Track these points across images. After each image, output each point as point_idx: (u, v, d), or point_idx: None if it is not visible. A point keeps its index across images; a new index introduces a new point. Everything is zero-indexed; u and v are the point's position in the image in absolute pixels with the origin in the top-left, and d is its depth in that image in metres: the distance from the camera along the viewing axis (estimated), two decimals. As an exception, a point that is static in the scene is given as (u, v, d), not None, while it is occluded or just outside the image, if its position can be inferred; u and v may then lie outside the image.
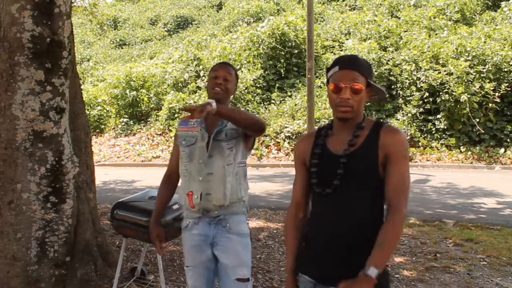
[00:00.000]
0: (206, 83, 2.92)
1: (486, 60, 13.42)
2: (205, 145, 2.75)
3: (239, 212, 2.78)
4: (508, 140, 12.81)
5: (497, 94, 12.82)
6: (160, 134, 16.35)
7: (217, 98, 2.70)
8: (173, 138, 15.12)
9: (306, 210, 2.22)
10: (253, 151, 12.87)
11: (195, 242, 2.76)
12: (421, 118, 13.64)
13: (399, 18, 18.62)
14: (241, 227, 2.77)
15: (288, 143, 13.95)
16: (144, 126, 17.28)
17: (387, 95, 2.47)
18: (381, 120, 2.10)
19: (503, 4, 18.82)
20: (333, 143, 2.08)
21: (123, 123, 17.46)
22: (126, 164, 14.60)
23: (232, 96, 2.92)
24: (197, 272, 2.78)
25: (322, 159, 2.07)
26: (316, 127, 12.40)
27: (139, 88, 17.87)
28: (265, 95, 16.23)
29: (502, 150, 12.57)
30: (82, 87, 5.34)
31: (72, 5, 4.24)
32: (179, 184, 2.95)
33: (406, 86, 14.18)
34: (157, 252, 2.96)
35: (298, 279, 2.16)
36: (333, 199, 2.01)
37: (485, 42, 14.26)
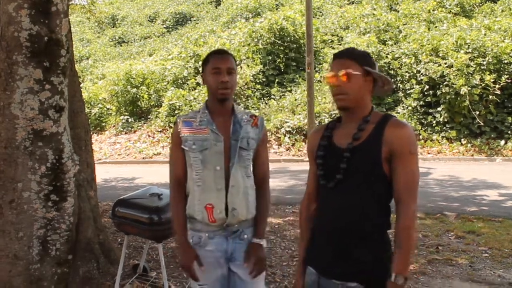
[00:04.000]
0: (202, 76, 2.59)
1: (486, 52, 13.39)
2: (222, 150, 2.46)
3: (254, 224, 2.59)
4: (509, 132, 12.80)
5: (497, 86, 12.80)
6: (160, 131, 16.33)
7: (224, 99, 2.49)
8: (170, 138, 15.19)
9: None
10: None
11: (211, 259, 2.47)
12: (422, 111, 13.63)
13: (398, 12, 18.59)
14: None
15: (289, 138, 13.94)
16: (144, 123, 17.27)
17: (391, 82, 2.43)
18: (389, 113, 2.06)
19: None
20: (338, 136, 2.07)
21: (123, 121, 17.45)
22: (127, 162, 14.60)
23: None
24: None
25: (327, 151, 2.07)
26: (317, 122, 12.36)
27: (139, 85, 17.85)
28: (264, 91, 16.22)
29: (503, 142, 12.55)
30: (81, 85, 5.33)
31: (70, 3, 4.24)
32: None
33: (406, 80, 14.17)
34: (189, 278, 2.50)
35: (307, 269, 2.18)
36: (336, 193, 2.01)
37: (485, 34, 14.23)
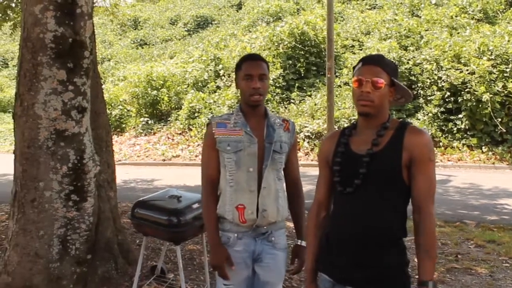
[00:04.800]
0: (235, 80, 2.63)
1: (509, 59, 13.21)
2: (255, 152, 2.50)
3: (283, 226, 2.67)
4: (531, 140, 12.59)
5: (520, 93, 12.62)
6: (180, 134, 16.42)
7: (257, 105, 2.55)
8: (193, 137, 14.99)
9: (328, 209, 2.21)
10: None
11: (239, 259, 2.51)
12: (442, 117, 13.48)
13: (420, 17, 18.45)
14: (284, 241, 2.66)
15: (308, 142, 13.91)
16: (164, 125, 17.38)
17: (412, 96, 2.43)
18: (406, 120, 2.10)
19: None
20: (356, 143, 2.07)
21: (143, 123, 17.58)
22: (146, 163, 14.69)
23: None
24: None
25: (345, 157, 2.07)
26: (336, 127, 12.33)
27: (159, 87, 17.98)
28: (284, 95, 16.22)
29: (525, 150, 12.37)
30: (103, 86, 5.39)
31: (94, 5, 4.30)
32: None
33: (427, 86, 14.04)
34: (220, 277, 2.53)
35: (318, 278, 2.16)
36: (354, 199, 2.00)
37: (508, 41, 14.03)
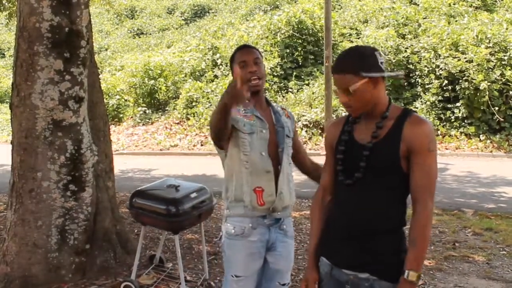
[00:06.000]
0: (232, 72, 2.57)
1: (508, 47, 13.18)
2: (267, 137, 2.54)
3: (290, 214, 2.68)
4: (529, 128, 12.59)
5: (518, 81, 12.60)
6: (178, 123, 16.38)
7: (256, 90, 2.55)
8: (191, 126, 14.82)
9: (333, 194, 2.20)
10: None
11: (254, 249, 2.51)
12: (440, 106, 13.47)
13: (418, 5, 18.34)
14: (292, 229, 2.69)
15: (306, 131, 13.90)
16: (162, 115, 17.33)
17: (400, 71, 2.35)
18: (408, 108, 1.99)
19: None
20: (359, 131, 2.06)
21: (141, 112, 17.52)
22: (144, 153, 14.67)
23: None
24: (251, 281, 2.54)
25: (348, 147, 2.06)
26: (334, 116, 12.29)
27: (156, 77, 17.92)
28: (282, 84, 16.16)
29: (523, 138, 12.38)
30: (100, 76, 5.37)
31: (90, -6, 4.28)
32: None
33: (425, 74, 14.00)
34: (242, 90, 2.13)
35: (320, 262, 2.18)
36: (354, 190, 2.00)
37: (506, 28, 13.98)
